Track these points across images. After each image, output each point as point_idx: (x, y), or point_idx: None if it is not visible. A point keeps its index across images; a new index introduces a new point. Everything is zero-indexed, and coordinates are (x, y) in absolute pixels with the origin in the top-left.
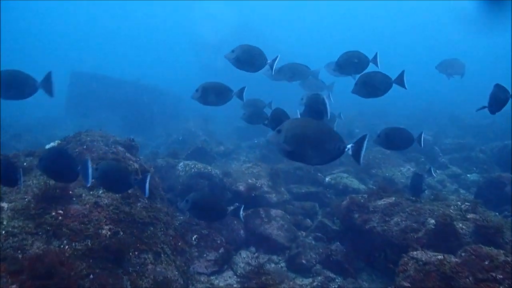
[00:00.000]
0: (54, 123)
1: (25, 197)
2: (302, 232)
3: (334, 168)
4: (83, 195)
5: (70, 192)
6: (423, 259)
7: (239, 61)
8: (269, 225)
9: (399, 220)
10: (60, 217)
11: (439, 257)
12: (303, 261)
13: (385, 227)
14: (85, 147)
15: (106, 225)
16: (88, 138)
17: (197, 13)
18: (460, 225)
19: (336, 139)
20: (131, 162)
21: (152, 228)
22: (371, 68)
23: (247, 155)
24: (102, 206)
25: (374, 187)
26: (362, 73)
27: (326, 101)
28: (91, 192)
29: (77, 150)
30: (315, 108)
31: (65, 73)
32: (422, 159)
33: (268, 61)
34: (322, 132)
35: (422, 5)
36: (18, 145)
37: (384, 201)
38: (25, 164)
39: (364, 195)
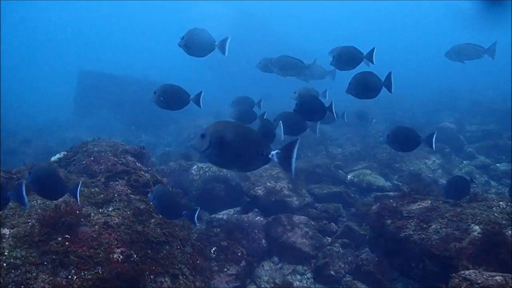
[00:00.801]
0: (64, 126)
1: (29, 220)
2: (327, 238)
3: (355, 163)
4: (92, 214)
5: (78, 212)
6: (479, 281)
7: (188, 47)
8: (292, 233)
9: (439, 227)
10: (67, 243)
11: (498, 278)
12: (332, 272)
13: (423, 236)
14: (92, 158)
15: (118, 248)
16: (96, 148)
17: (199, 13)
18: (510, 232)
19: (261, 144)
20: (142, 172)
21: (167, 247)
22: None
23: None
24: (112, 226)
25: (400, 184)
26: (356, 73)
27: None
28: (100, 210)
29: (84, 162)
30: (309, 108)
31: (72, 73)
32: (447, 149)
33: (216, 43)
34: (246, 137)
35: (424, 4)
36: (28, 150)
37: (419, 205)
38: None
39: (389, 193)
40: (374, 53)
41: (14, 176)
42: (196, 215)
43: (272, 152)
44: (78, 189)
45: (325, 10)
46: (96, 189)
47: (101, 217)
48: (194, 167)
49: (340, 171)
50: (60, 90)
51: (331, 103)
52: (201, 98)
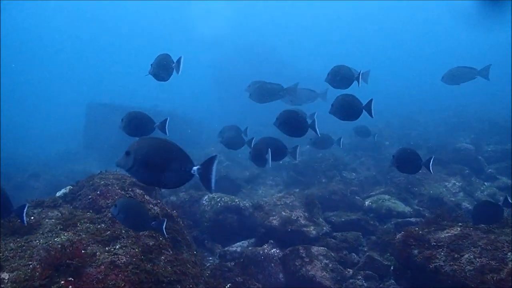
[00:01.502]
0: (73, 158)
1: (30, 262)
2: (348, 270)
3: (372, 188)
4: (98, 253)
5: (82, 251)
6: None
7: (156, 74)
8: (311, 266)
9: (472, 257)
10: (70, 286)
11: None
12: None
13: (455, 267)
14: (98, 192)
15: None
16: (102, 182)
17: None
18: None
19: (183, 160)
20: (150, 205)
21: (179, 287)
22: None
23: (273, 178)
24: (119, 266)
25: (421, 209)
26: (339, 95)
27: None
28: (106, 249)
29: (90, 196)
30: (291, 124)
31: (81, 104)
32: (467, 171)
33: (173, 64)
34: (166, 152)
35: (423, 4)
36: (37, 184)
37: (447, 232)
38: (32, 218)
39: (411, 219)
40: (368, 76)
41: None
42: (164, 226)
43: (194, 168)
44: (24, 212)
45: (327, 13)
46: (103, 225)
47: (107, 256)
48: (205, 197)
49: (357, 197)
50: (70, 121)
51: (314, 120)
52: (166, 125)
